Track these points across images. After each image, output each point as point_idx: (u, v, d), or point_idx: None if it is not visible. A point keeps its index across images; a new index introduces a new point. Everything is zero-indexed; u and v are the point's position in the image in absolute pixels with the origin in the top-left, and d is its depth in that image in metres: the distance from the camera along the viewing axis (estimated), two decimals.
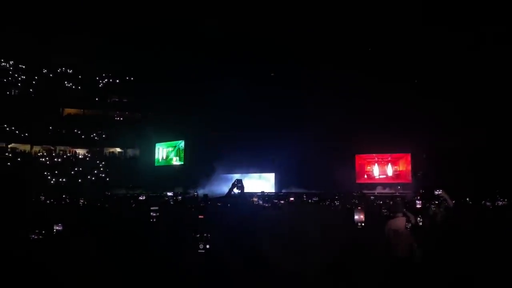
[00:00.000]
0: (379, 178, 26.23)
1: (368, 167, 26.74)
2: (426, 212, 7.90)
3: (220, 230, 6.47)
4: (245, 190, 15.85)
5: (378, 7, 24.31)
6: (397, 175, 25.86)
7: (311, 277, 5.10)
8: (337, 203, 14.61)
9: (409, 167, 25.39)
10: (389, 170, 26.14)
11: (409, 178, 25.06)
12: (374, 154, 26.54)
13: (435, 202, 8.52)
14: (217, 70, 27.38)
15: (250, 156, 25.94)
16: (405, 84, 23.74)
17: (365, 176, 26.64)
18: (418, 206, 8.27)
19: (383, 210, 9.19)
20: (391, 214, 7.51)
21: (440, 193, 7.36)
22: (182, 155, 31.94)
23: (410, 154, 25.45)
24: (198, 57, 28.16)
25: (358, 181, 26.06)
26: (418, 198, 9.34)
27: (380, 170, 26.38)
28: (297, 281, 5.09)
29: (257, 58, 26.81)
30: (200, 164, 27.89)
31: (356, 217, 6.95)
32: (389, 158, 26.26)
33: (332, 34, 25.67)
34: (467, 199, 12.83)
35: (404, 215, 6.93)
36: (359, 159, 26.93)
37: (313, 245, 6.30)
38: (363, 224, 6.88)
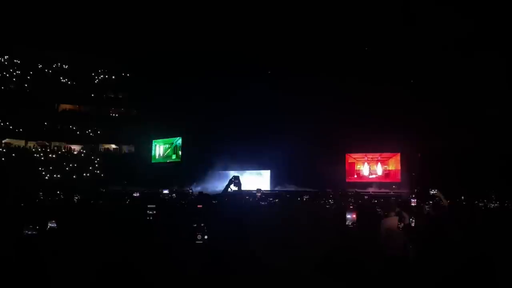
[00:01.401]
0: (369, 177, 26.40)
1: (358, 166, 26.90)
2: (421, 211, 7.95)
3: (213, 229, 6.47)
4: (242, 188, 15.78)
5: (371, 7, 24.43)
6: (386, 174, 26.03)
7: (301, 275, 5.12)
8: (331, 201, 14.62)
9: (399, 166, 25.54)
10: (379, 169, 26.32)
11: (398, 178, 25.22)
12: (364, 153, 26.68)
13: (429, 202, 8.57)
14: (213, 68, 27.35)
15: (246, 153, 26.01)
16: (395, 84, 23.76)
17: (355, 176, 26.79)
18: (412, 205, 8.31)
19: (378, 209, 9.23)
20: (385, 213, 7.56)
21: (435, 193, 7.41)
22: (179, 152, 31.87)
23: (399, 153, 25.58)
24: (195, 54, 28.12)
25: (348, 180, 26.20)
26: (413, 197, 9.39)
27: (370, 169, 26.57)
28: (287, 277, 5.11)
29: (253, 57, 26.82)
30: (197, 161, 27.89)
31: (348, 216, 7.00)
32: (379, 158, 26.42)
33: (324, 35, 25.76)
34: (462, 197, 12.90)
35: (398, 214, 6.97)
36: (349, 158, 27.11)
37: (305, 242, 6.34)
38: (354, 224, 6.93)
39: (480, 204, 11.90)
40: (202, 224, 5.43)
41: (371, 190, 23.25)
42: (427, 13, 23.45)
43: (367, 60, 24.95)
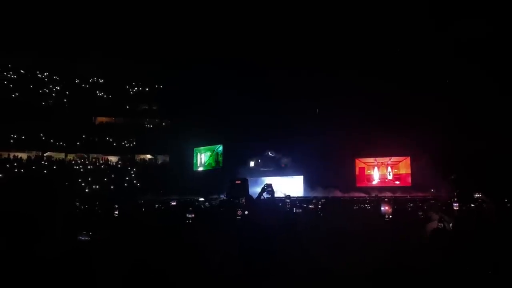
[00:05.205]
0: (385, 180, 26.28)
1: (368, 171, 26.84)
2: (464, 215, 7.71)
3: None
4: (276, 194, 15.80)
5: (382, 10, 24.28)
6: (397, 178, 25.97)
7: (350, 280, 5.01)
8: (368, 206, 14.48)
9: (409, 170, 25.45)
10: (389, 173, 26.21)
11: (409, 181, 25.19)
12: (373, 158, 26.61)
13: (471, 205, 8.31)
14: (248, 77, 27.65)
15: (281, 158, 26.29)
16: (406, 88, 23.35)
17: (367, 182, 26.62)
18: (456, 209, 8.09)
19: (419, 213, 9.03)
20: (428, 217, 7.38)
21: (480, 196, 7.20)
22: (220, 159, 31.94)
23: (409, 157, 25.39)
24: (229, 61, 28.42)
25: (358, 185, 26.12)
26: (455, 201, 9.12)
27: (380, 173, 26.50)
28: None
29: (284, 67, 26.94)
30: (234, 168, 27.89)
31: (383, 209, 6.93)
32: (389, 162, 26.28)
33: (334, 39, 25.85)
34: (506, 200, 12.39)
35: (441, 218, 6.80)
36: (359, 163, 27.09)
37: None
38: (390, 216, 6.81)
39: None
40: (243, 201, 5.49)
41: (408, 194, 22.76)
42: (440, 16, 23.19)
43: (376, 64, 24.92)
